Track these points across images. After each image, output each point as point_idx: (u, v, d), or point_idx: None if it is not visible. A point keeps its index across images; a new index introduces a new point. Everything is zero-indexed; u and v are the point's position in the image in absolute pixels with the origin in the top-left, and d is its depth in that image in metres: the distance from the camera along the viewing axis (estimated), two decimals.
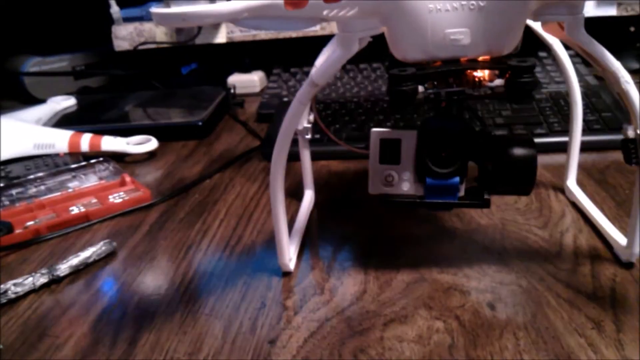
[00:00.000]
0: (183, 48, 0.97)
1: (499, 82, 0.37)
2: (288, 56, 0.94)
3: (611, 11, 0.82)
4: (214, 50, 0.97)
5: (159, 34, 0.95)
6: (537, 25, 0.45)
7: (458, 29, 0.34)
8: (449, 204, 0.40)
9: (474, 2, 0.33)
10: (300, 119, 0.42)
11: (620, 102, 0.36)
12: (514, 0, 0.33)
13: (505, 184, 0.39)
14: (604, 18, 0.79)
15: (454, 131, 0.38)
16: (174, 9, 0.29)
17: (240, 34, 0.93)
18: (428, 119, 0.40)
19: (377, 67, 0.85)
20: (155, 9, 0.30)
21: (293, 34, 0.91)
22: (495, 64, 0.36)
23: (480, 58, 0.36)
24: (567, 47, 0.46)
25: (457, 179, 0.39)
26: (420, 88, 0.36)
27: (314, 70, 0.38)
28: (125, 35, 0.95)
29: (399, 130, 0.41)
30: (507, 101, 0.44)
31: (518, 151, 0.38)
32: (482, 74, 0.37)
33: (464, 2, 0.33)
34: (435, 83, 0.37)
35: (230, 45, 0.93)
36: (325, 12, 0.32)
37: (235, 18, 0.30)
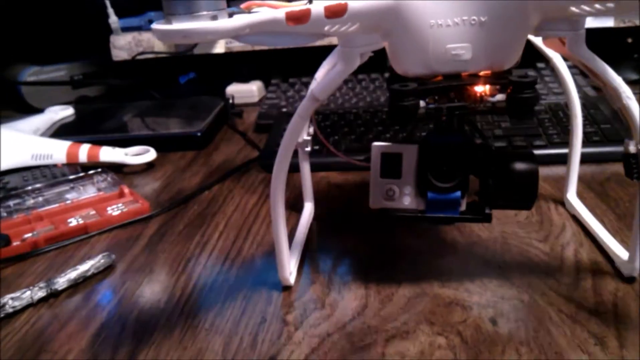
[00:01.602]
0: (181, 58, 0.97)
1: (500, 96, 0.37)
2: (286, 66, 0.95)
3: (609, 22, 0.82)
4: (212, 60, 0.97)
5: (158, 43, 0.95)
6: (536, 39, 0.45)
7: (459, 44, 0.34)
8: (451, 219, 0.40)
9: (475, 17, 0.33)
10: (300, 134, 0.42)
11: (621, 117, 0.36)
12: (515, 15, 0.33)
13: (506, 198, 0.39)
14: (601, 29, 0.80)
15: (456, 145, 0.38)
16: (176, 26, 0.29)
17: (239, 44, 0.93)
18: (429, 134, 0.40)
19: (375, 78, 0.85)
20: (157, 26, 0.30)
21: (292, 45, 0.91)
22: (497, 79, 0.36)
23: (482, 73, 0.36)
24: (565, 59, 0.47)
25: (458, 193, 0.39)
26: (422, 103, 0.36)
27: (314, 85, 0.38)
28: (124, 45, 0.94)
29: (400, 144, 0.41)
30: (509, 116, 0.44)
31: (520, 166, 0.38)
32: (483, 88, 0.37)
33: (465, 18, 0.33)
34: (437, 98, 0.37)
35: (229, 55, 0.93)
36: (326, 28, 0.32)
37: (236, 34, 0.30)
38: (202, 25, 0.29)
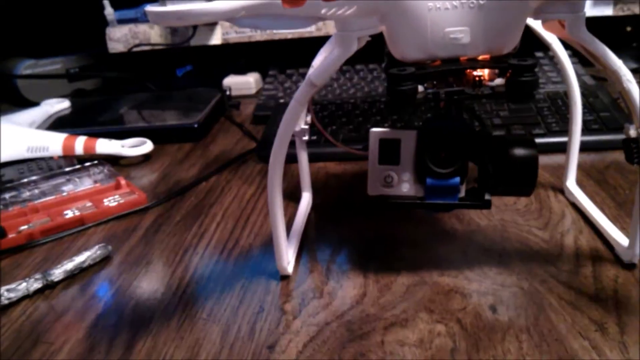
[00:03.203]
0: (178, 50, 0.96)
1: (499, 81, 0.36)
2: (284, 57, 0.94)
3: (607, 11, 0.82)
4: (209, 51, 0.97)
5: (154, 35, 0.94)
6: (535, 24, 0.45)
7: (458, 27, 0.33)
8: (450, 205, 0.40)
9: (474, 0, 0.33)
10: (298, 120, 0.41)
11: (621, 102, 0.36)
12: None
13: (506, 184, 0.38)
14: (600, 18, 0.79)
15: (454, 131, 0.38)
16: (170, 7, 0.28)
17: (236, 35, 0.92)
18: (428, 119, 0.39)
19: (373, 68, 0.84)
20: (151, 7, 0.29)
21: (289, 35, 0.90)
22: (496, 63, 0.36)
23: (480, 57, 0.36)
24: (565, 47, 0.46)
25: (457, 179, 0.39)
26: (420, 88, 0.36)
27: (311, 71, 0.38)
28: (120, 37, 0.94)
29: (398, 130, 0.40)
30: (508, 100, 0.43)
31: (519, 152, 0.37)
32: (482, 73, 0.37)
33: (463, 1, 0.33)
34: (435, 82, 0.37)
35: (226, 46, 0.93)
36: (323, 11, 0.31)
37: (232, 16, 0.29)
38: (196, 7, 0.28)
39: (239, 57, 0.98)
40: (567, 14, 0.33)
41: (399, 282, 0.41)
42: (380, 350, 0.35)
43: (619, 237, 0.42)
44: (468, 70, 0.36)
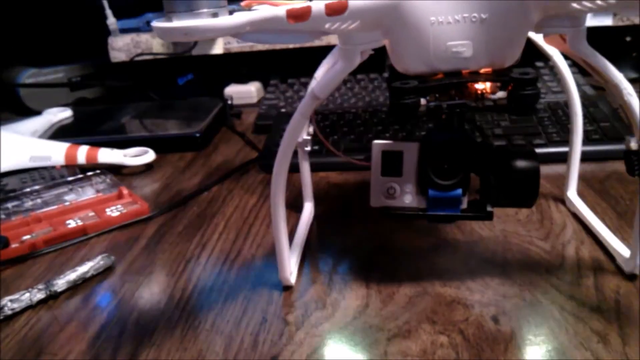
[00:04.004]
0: (180, 59, 0.97)
1: (501, 94, 0.37)
2: (285, 67, 0.94)
3: (607, 21, 0.82)
4: (210, 61, 0.97)
5: (156, 45, 0.94)
6: (537, 36, 0.45)
7: (460, 41, 0.34)
8: (452, 217, 0.40)
9: (476, 14, 0.33)
10: (301, 132, 0.42)
11: (621, 114, 0.36)
12: (517, 12, 0.33)
13: (508, 196, 0.39)
14: (600, 28, 0.80)
15: (456, 143, 0.38)
16: (177, 23, 0.28)
17: (237, 45, 0.93)
18: (430, 131, 0.40)
19: (374, 77, 0.85)
20: (157, 23, 0.29)
21: (290, 45, 0.91)
22: (498, 76, 0.36)
23: (482, 70, 0.36)
24: (565, 57, 0.47)
25: (459, 191, 0.39)
26: (422, 100, 0.36)
27: (314, 83, 0.38)
28: (122, 47, 0.94)
29: (401, 142, 0.40)
30: (510, 114, 0.44)
31: (521, 164, 0.38)
32: (484, 86, 0.37)
33: (466, 15, 0.33)
34: (437, 95, 0.37)
35: (227, 56, 0.93)
36: (327, 26, 0.32)
37: (237, 32, 0.30)
38: (202, 23, 0.29)
39: (241, 66, 0.98)
40: (568, 29, 0.34)
41: (401, 293, 0.41)
42: None
43: (620, 248, 0.42)
44: (470, 84, 0.36)
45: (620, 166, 0.38)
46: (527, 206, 0.39)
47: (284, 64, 0.97)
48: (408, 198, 0.40)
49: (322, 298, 0.42)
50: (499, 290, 0.41)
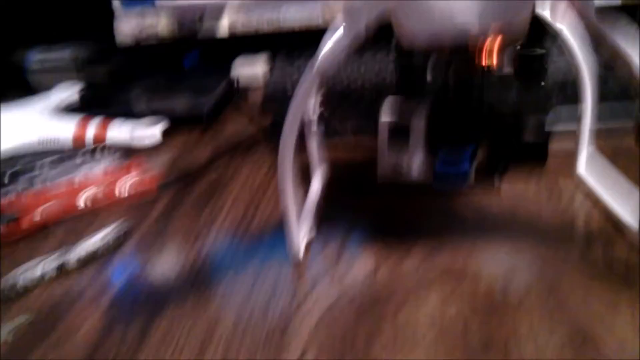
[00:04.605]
0: (185, 42, 0.97)
1: (508, 68, 0.37)
2: (291, 49, 0.94)
3: (615, 1, 0.81)
4: (216, 44, 0.97)
5: (162, 28, 0.94)
6: (544, 12, 0.45)
7: (467, 13, 0.34)
8: (460, 190, 0.40)
9: None
10: (305, 107, 0.42)
11: (630, 88, 0.36)
12: None
13: (520, 153, 0.38)
14: (609, 8, 0.79)
15: (464, 116, 0.38)
16: None
17: (243, 28, 0.92)
18: (437, 105, 0.40)
19: (381, 58, 0.84)
20: None
21: (296, 27, 0.90)
22: (505, 51, 0.36)
23: (489, 44, 0.36)
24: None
25: (467, 164, 0.39)
26: (428, 75, 0.36)
27: (318, 59, 0.38)
28: (128, 30, 0.94)
29: (407, 117, 0.41)
30: (517, 78, 0.43)
31: (531, 121, 0.38)
32: (491, 60, 0.37)
33: None
34: (444, 69, 0.37)
35: (233, 40, 0.93)
36: None
37: None
38: None
39: (246, 49, 0.98)
40: None
41: (410, 264, 0.42)
42: (391, 330, 0.35)
43: (630, 220, 0.43)
44: (477, 57, 0.36)
45: (630, 142, 0.38)
46: (541, 158, 0.39)
47: (289, 46, 0.96)
48: (415, 172, 0.41)
49: (330, 269, 0.42)
50: (508, 262, 0.41)
